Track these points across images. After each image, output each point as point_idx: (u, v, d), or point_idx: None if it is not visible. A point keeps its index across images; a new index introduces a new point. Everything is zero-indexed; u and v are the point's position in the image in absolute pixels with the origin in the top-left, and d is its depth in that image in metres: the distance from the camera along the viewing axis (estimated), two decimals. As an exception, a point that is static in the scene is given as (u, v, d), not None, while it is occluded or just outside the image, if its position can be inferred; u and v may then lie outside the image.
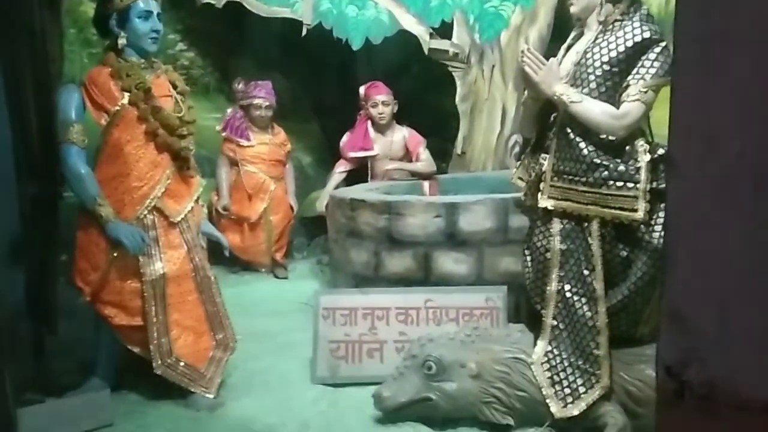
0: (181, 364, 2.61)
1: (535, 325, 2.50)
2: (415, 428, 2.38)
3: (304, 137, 5.81)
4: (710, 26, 0.71)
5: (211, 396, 2.65)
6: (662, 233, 2.18)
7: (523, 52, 2.37)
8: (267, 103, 4.67)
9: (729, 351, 0.79)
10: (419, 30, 4.51)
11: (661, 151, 2.20)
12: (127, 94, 2.51)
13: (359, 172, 4.42)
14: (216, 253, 2.97)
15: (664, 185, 2.17)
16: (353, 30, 4.56)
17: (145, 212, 2.54)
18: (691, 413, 0.83)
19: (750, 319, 0.79)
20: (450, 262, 2.92)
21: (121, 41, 2.52)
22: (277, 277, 4.81)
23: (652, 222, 2.20)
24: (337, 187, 4.26)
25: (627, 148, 2.22)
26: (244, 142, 4.67)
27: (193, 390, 2.63)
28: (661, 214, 2.20)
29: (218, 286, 2.82)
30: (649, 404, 2.20)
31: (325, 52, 5.21)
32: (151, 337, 2.54)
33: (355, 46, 4.63)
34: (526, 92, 2.46)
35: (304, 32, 4.61)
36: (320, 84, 5.83)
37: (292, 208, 4.93)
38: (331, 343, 2.89)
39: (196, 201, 2.76)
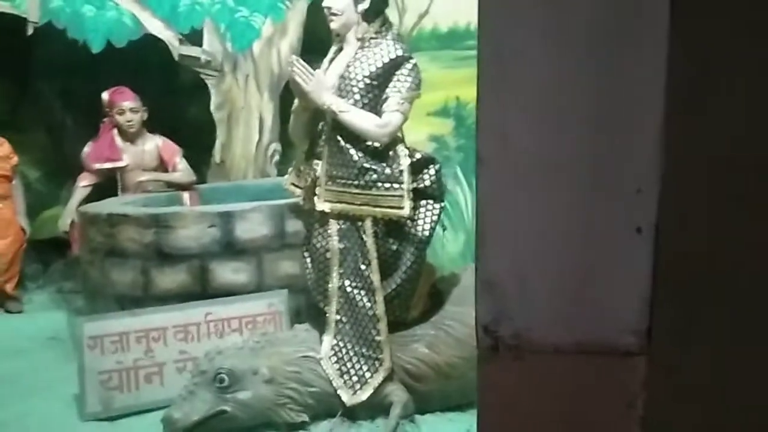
0: None
1: (318, 323, 2.63)
2: (212, 444, 2.33)
3: (29, 149, 5.08)
4: (506, 43, 0.88)
5: None
6: (425, 227, 2.50)
7: (292, 62, 2.49)
8: (-16, 111, 4.00)
9: (529, 309, 0.99)
10: (167, 35, 4.32)
11: (417, 155, 2.51)
12: None
13: (106, 186, 4.05)
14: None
15: (423, 185, 2.49)
16: (92, 31, 4.17)
17: None
18: (505, 361, 1.01)
19: (543, 284, 0.99)
20: (228, 272, 2.88)
21: None
22: (9, 311, 4.20)
23: (416, 217, 2.49)
24: (81, 203, 3.84)
25: (390, 153, 2.47)
26: (-45, 157, 3.94)
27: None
28: (422, 210, 2.51)
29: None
30: (424, 379, 2.50)
31: (55, 54, 4.64)
32: None
33: (95, 48, 4.24)
34: (296, 101, 2.58)
35: (30, 31, 4.05)
36: (49, 89, 5.17)
37: (23, 230, 4.31)
38: (101, 374, 2.65)
39: None
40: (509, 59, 0.90)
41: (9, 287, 4.22)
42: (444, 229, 3.70)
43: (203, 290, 2.88)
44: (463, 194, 3.90)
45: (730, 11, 0.76)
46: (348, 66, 2.49)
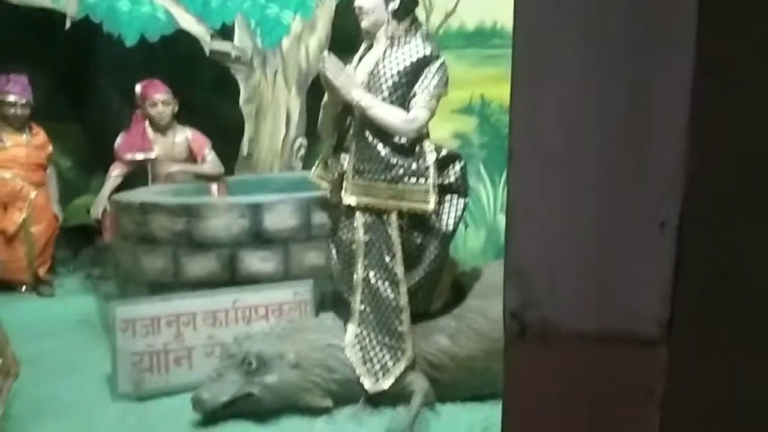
0: (-50, 400, 2.26)
1: (343, 312, 2.70)
2: (239, 425, 2.41)
3: (62, 139, 5.21)
4: (541, 39, 0.92)
5: None
6: (449, 221, 2.55)
7: (323, 57, 2.55)
8: (23, 101, 4.13)
9: (556, 297, 1.05)
10: (199, 30, 4.42)
11: (443, 152, 2.56)
12: None
13: (137, 176, 4.16)
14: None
15: (448, 180, 2.54)
16: (126, 26, 4.27)
17: None
18: (532, 347, 1.07)
19: (569, 274, 1.05)
20: (256, 261, 2.95)
21: None
22: (41, 295, 4.30)
23: (440, 212, 2.55)
24: (113, 192, 3.95)
25: (417, 149, 2.52)
26: (-5, 144, 4.07)
27: (-32, 429, 2.28)
28: (446, 205, 2.57)
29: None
30: (444, 369, 2.56)
31: (91, 48, 4.77)
32: None
33: (129, 42, 4.35)
34: (326, 96, 2.64)
35: (68, 25, 4.17)
36: (84, 81, 5.31)
37: (56, 217, 4.43)
38: (133, 356, 2.74)
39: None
40: (543, 55, 0.95)
41: (42, 271, 4.34)
42: (466, 227, 3.75)
43: (232, 278, 2.95)
44: (485, 191, 3.94)
45: (759, 8, 0.80)
46: (377, 63, 2.54)
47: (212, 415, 2.40)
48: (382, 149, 2.49)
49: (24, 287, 4.28)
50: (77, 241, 5.05)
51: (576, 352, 1.03)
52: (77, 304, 4.09)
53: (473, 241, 4.01)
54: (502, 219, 3.79)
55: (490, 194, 3.95)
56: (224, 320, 2.85)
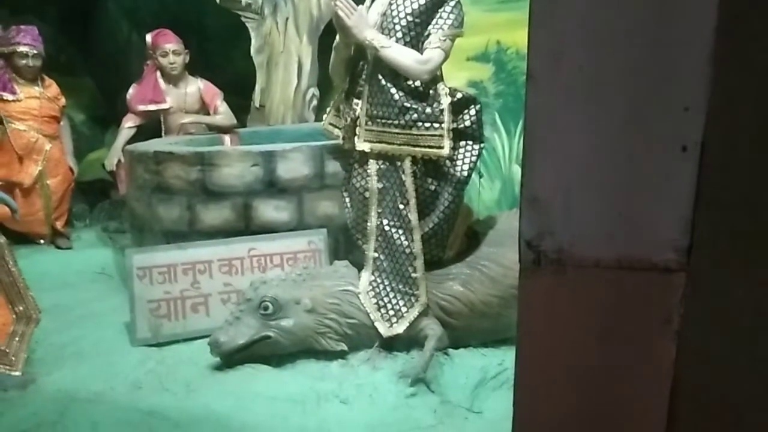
0: (-24, 343, 2.32)
1: (357, 259, 2.70)
2: (255, 368, 2.44)
3: (74, 93, 5.21)
4: None
5: (18, 373, 2.39)
6: (463, 167, 2.52)
7: None
8: (35, 51, 4.09)
9: (572, 225, 1.02)
10: (209, -22, 4.34)
11: (458, 95, 2.51)
12: None
13: (149, 127, 4.15)
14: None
15: (463, 125, 2.50)
16: (136, -26, 4.21)
17: None
18: (547, 275, 1.05)
19: (587, 200, 1.02)
20: (270, 210, 2.94)
21: None
22: (59, 247, 4.37)
23: (455, 158, 2.51)
24: (126, 143, 3.95)
25: (431, 92, 2.47)
26: (8, 96, 4.06)
27: (-7, 371, 2.35)
28: (461, 150, 2.53)
29: (12, 252, 2.52)
30: (458, 315, 2.56)
31: (100, -1, 4.71)
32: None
33: (138, -9, 4.28)
34: (338, 37, 2.58)
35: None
36: (92, 33, 5.25)
37: (71, 170, 4.45)
38: (150, 303, 2.78)
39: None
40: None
41: (59, 224, 4.38)
42: (480, 176, 3.71)
43: (246, 227, 2.96)
44: (500, 141, 3.88)
45: None
46: (390, 4, 2.47)
47: (229, 357, 2.44)
48: (396, 93, 2.45)
49: (42, 240, 4.33)
50: (93, 195, 5.10)
51: (592, 281, 1.02)
52: (95, 257, 4.15)
53: (488, 193, 3.97)
54: (517, 170, 3.74)
55: (505, 144, 3.88)
56: (240, 268, 2.87)
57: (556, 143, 0.98)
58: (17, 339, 2.46)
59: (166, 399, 2.28)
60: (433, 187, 2.53)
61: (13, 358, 2.41)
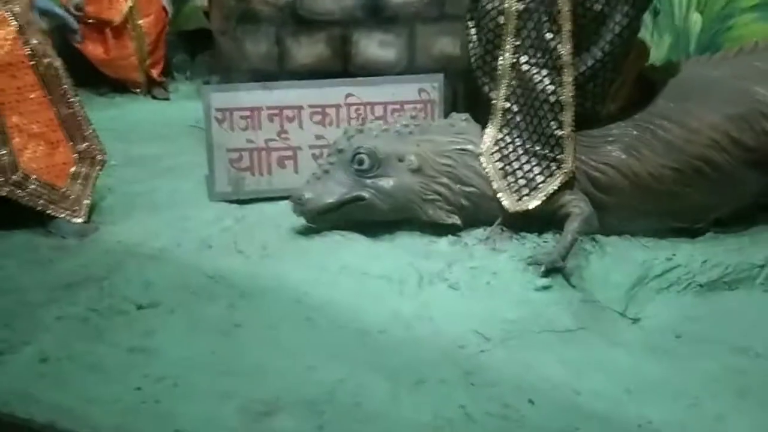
0: (33, 181, 2.07)
1: (482, 112, 2.10)
2: (345, 236, 2.03)
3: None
4: None
5: (80, 220, 2.15)
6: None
7: None
8: None
9: None
10: None
11: None
12: None
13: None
14: (72, 70, 2.28)
15: None
16: None
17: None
18: None
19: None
20: (374, 46, 2.49)
21: None
22: (155, 98, 4.17)
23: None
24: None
25: None
26: None
27: (53, 214, 2.11)
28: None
29: (71, 83, 2.17)
30: (615, 191, 1.96)
31: None
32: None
33: None
34: None
35: None
36: None
37: (165, 10, 4.14)
38: (231, 152, 2.42)
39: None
40: None
41: (155, 72, 4.19)
42: (656, 13, 2.89)
43: (344, 67, 2.54)
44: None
45: None
46: None
47: (314, 219, 2.04)
48: None
49: (138, 89, 4.16)
50: (194, 45, 4.83)
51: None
52: (191, 110, 3.87)
53: (654, 51, 3.15)
54: (692, 20, 2.89)
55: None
56: (335, 118, 2.43)
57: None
58: (80, 182, 2.19)
59: (237, 263, 1.94)
60: (599, 8, 1.84)
61: (76, 203, 2.14)
